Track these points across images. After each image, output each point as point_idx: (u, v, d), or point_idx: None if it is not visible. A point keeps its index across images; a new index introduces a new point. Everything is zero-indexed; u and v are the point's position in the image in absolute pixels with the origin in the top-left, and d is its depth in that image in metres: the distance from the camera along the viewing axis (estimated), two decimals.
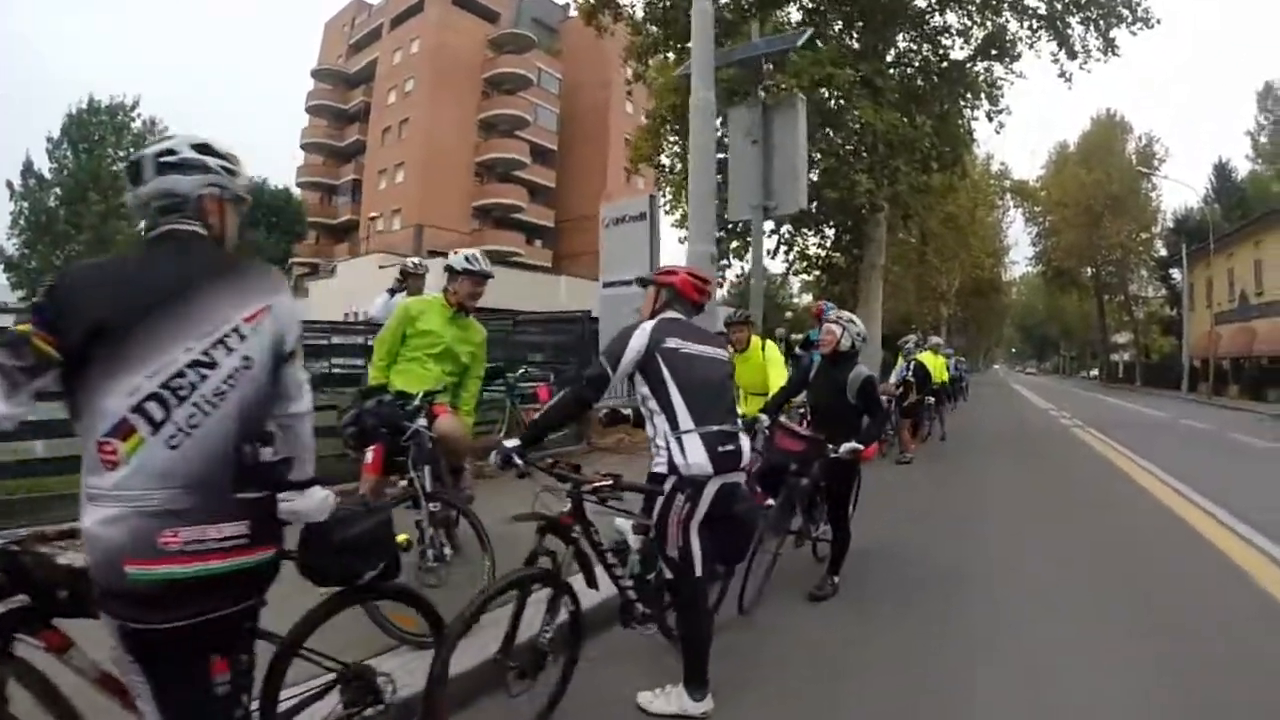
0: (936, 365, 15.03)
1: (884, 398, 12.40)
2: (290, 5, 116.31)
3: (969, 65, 18.17)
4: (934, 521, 7.94)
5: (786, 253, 21.74)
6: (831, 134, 16.18)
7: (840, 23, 17.35)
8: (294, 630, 2.54)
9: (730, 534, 3.70)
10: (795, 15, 16.90)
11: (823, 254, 22.72)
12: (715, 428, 3.46)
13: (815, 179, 16.69)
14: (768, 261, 21.84)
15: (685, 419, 3.43)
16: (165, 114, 69.41)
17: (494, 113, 53.15)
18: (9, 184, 37.04)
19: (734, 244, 19.24)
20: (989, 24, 17.42)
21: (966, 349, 61.25)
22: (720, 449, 3.43)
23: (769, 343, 6.61)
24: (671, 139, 18.41)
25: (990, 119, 18.78)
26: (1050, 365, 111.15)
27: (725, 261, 20.00)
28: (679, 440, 3.42)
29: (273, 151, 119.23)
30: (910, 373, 12.93)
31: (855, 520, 6.12)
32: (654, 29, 17.32)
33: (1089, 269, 53.42)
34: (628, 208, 17.05)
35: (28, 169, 37.44)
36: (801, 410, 6.28)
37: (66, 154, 38.16)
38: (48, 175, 37.91)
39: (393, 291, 7.92)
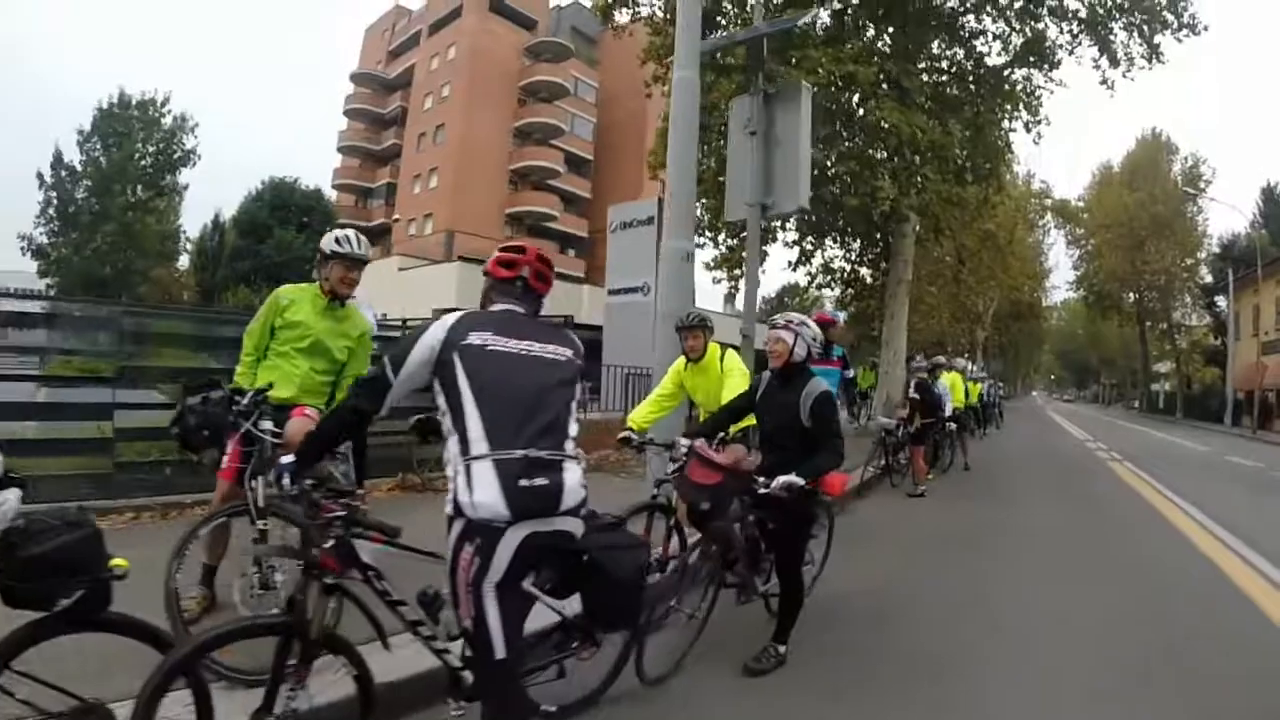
0: (958, 387, 14.12)
1: (893, 422, 11.65)
2: (335, 11, 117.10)
3: (1006, 72, 17.27)
4: (932, 570, 6.82)
5: (805, 264, 20.85)
6: (853, 136, 15.39)
7: (871, 26, 16.54)
8: None
9: (601, 592, 2.88)
10: (824, 17, 16.14)
11: (847, 268, 22.01)
12: (519, 453, 2.50)
13: (834, 186, 15.95)
14: (791, 275, 21.03)
15: (478, 439, 2.51)
16: (204, 112, 71.22)
17: (529, 120, 53.20)
18: (39, 174, 38.02)
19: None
20: (1027, 29, 16.53)
21: (1004, 374, 59.95)
22: (522, 483, 2.47)
23: (730, 351, 5.70)
24: None
25: (1029, 129, 17.85)
26: (1089, 394, 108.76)
27: (739, 271, 19.23)
28: (467, 469, 2.49)
29: (310, 153, 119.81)
30: (914, 391, 11.75)
31: (833, 567, 5.35)
32: (672, 29, 16.61)
33: (1131, 294, 51.71)
34: (635, 211, 16.55)
35: (58, 160, 38.33)
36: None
37: (96, 147, 39.02)
38: (78, 168, 38.79)
39: None
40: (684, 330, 5.51)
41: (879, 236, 19.03)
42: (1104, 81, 17.17)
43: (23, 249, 38.13)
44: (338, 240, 4.28)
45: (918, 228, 18.16)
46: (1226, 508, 10.52)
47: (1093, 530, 9.18)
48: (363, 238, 4.45)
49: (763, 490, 3.90)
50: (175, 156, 41.15)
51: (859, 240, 20.43)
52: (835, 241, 20.58)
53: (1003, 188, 19.79)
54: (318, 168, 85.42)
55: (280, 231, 43.38)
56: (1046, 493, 12.33)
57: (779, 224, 18.83)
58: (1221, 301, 47.09)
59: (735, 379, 5.24)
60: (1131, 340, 59.88)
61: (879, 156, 15.40)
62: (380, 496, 7.80)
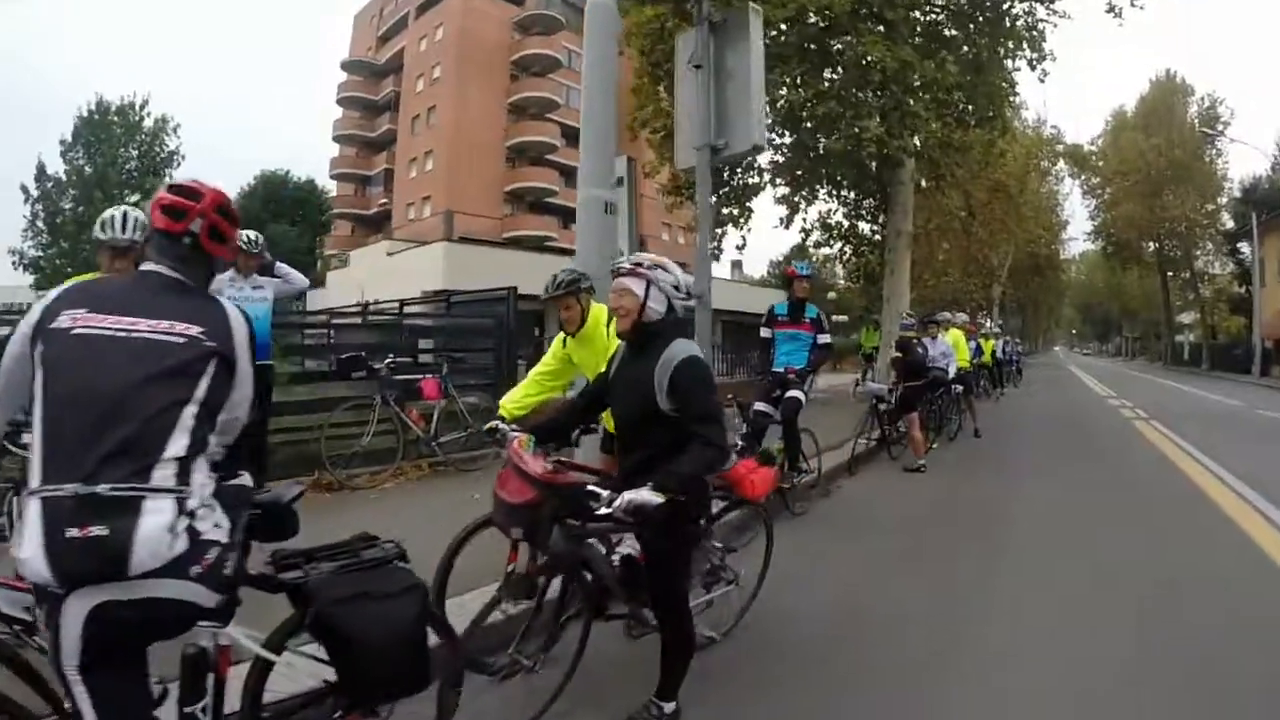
0: (962, 345, 12.93)
1: (884, 387, 10.34)
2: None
3: (1006, 6, 15.94)
4: (919, 564, 5.58)
5: (798, 219, 19.26)
6: (834, 74, 14.15)
7: None
8: None
9: (345, 657, 2.12)
10: None
11: (844, 223, 20.47)
12: (69, 488, 1.66)
13: (818, 132, 14.77)
14: (781, 233, 19.61)
15: (35, 467, 1.72)
16: (196, 112, 70.29)
17: (523, 95, 52.16)
18: (23, 187, 38.48)
19: (731, 209, 17.24)
20: None
21: (1023, 330, 58.62)
22: (70, 533, 1.64)
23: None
24: (661, 95, 16.46)
25: (1033, 67, 16.53)
26: (1112, 347, 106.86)
27: (721, 230, 17.97)
28: (24, 510, 1.71)
29: (306, 144, 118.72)
30: (895, 350, 10.56)
31: (798, 568, 4.40)
32: None
33: (1151, 243, 50.06)
34: None
35: (41, 172, 38.70)
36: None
37: (80, 156, 39.32)
38: (63, 178, 39.33)
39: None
40: (551, 300, 4.31)
41: (874, 186, 17.69)
42: (1110, 9, 15.88)
43: (14, 263, 38.46)
44: (101, 224, 3.68)
45: (916, 175, 16.92)
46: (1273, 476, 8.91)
47: (1116, 508, 7.81)
48: (137, 216, 3.70)
49: (604, 510, 2.71)
50: (159, 159, 40.86)
51: (854, 191, 19.14)
52: (831, 195, 19.28)
53: (1008, 131, 18.21)
54: (321, 156, 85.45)
55: (273, 225, 43.15)
56: (1065, 461, 10.94)
57: (769, 180, 17.60)
58: (1245, 248, 45.33)
59: None
60: (1153, 291, 58.09)
61: (863, 96, 14.17)
62: None
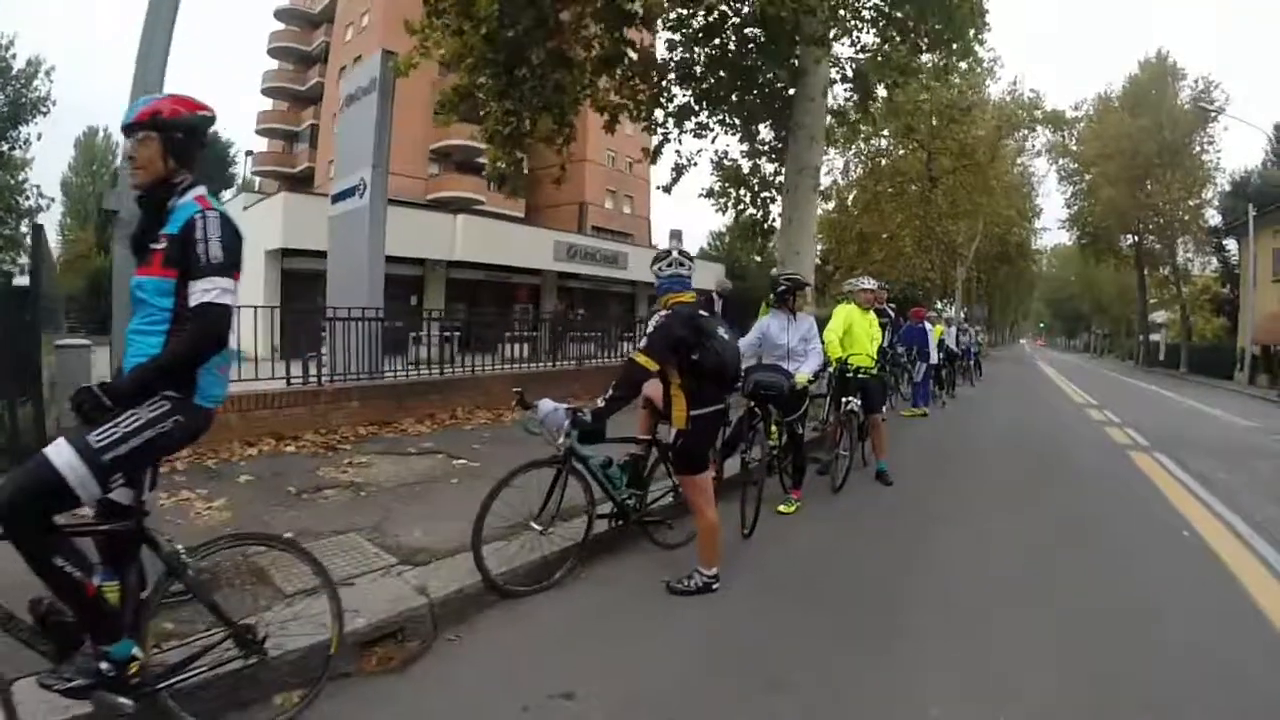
0: (858, 326, 7.92)
1: (560, 409, 4.88)
2: None
3: None
4: None
5: (655, 155, 13.50)
6: None
7: None
8: None
9: None
10: None
11: (742, 162, 14.11)
12: None
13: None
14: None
15: None
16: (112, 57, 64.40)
17: None
18: None
19: (539, 117, 12.74)
20: None
21: (989, 320, 55.49)
22: None
23: None
24: None
25: None
26: (1080, 343, 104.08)
27: (521, 154, 13.33)
28: None
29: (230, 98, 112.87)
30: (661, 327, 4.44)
31: None
32: None
33: (1130, 236, 46.18)
34: (360, 76, 12.15)
35: None
36: None
37: None
38: None
39: None
40: None
41: (778, 106, 12.60)
42: None
43: None
44: None
45: (833, 89, 12.26)
46: None
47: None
48: None
49: None
50: (26, 104, 36.39)
51: (749, 120, 13.20)
52: (724, 124, 13.24)
53: (970, 53, 13.32)
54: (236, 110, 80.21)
55: None
56: (1029, 559, 5.60)
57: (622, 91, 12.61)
58: (1231, 245, 41.48)
59: None
60: (1128, 287, 54.44)
61: None
62: None
